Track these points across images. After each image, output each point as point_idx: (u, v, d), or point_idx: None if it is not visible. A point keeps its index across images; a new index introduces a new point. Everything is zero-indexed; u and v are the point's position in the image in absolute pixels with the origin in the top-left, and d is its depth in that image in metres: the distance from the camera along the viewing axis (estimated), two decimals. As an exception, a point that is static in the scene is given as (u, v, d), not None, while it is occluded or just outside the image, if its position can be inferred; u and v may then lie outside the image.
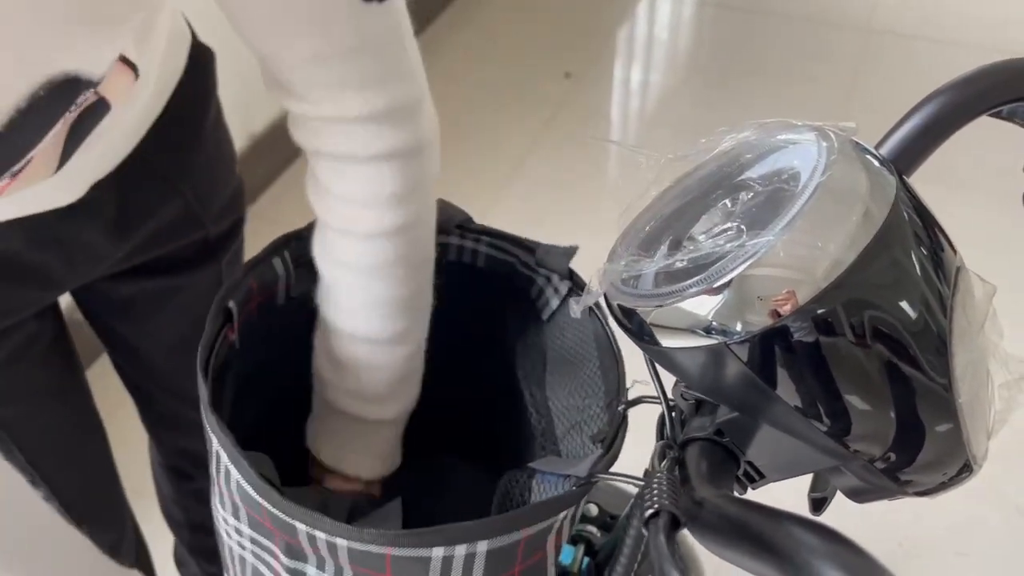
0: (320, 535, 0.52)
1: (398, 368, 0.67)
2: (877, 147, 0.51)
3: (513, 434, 0.75)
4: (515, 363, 0.75)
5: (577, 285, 0.68)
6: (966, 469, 0.44)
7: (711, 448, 0.45)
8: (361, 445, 0.70)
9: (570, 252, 0.68)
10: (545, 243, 0.71)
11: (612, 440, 0.58)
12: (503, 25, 2.79)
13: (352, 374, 0.66)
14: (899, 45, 2.65)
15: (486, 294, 0.73)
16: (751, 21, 2.91)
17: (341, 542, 0.51)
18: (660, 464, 0.43)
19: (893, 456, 0.42)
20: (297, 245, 0.68)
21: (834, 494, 0.51)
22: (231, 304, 0.63)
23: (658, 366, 0.47)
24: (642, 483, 0.44)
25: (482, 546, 0.52)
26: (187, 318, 0.85)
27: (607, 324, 0.64)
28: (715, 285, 0.39)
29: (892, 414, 0.41)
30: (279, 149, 2.15)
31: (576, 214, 1.90)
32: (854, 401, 0.40)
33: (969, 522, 1.52)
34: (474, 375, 0.79)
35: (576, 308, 0.45)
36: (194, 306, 0.87)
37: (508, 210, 2.04)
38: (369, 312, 0.64)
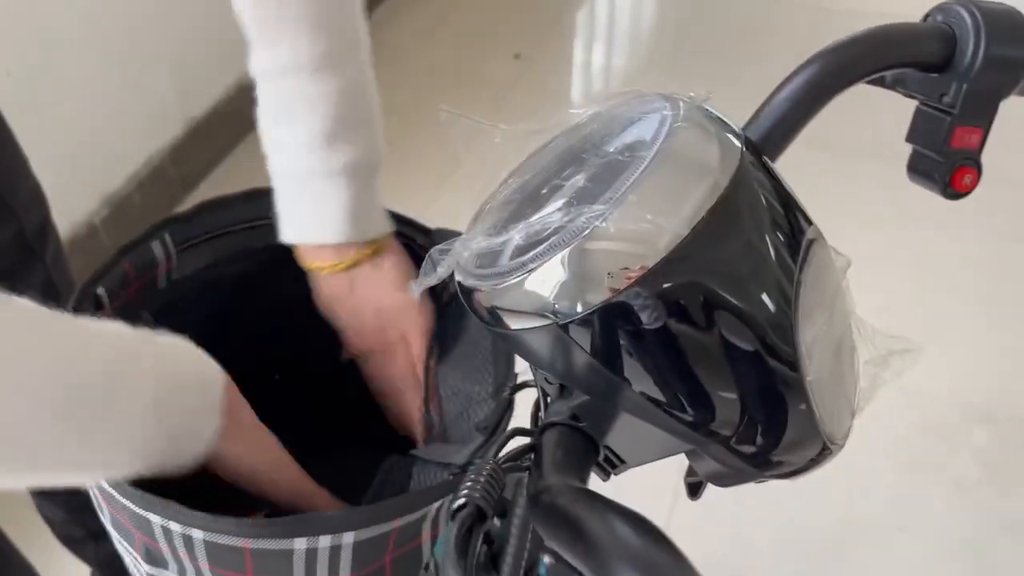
0: (174, 527, 0.49)
1: (337, 103, 0.62)
2: (751, 120, 0.49)
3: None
4: None
5: None
6: (825, 450, 0.42)
7: (568, 433, 0.43)
8: (331, 204, 0.64)
9: None
10: (441, 227, 0.68)
11: (495, 427, 0.56)
12: (452, 5, 2.76)
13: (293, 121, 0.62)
14: (852, 23, 2.64)
15: None
16: (713, 2, 2.89)
17: (197, 534, 0.49)
18: (497, 453, 0.41)
19: (749, 439, 0.40)
20: (179, 228, 0.65)
21: (706, 482, 0.49)
22: (100, 290, 0.60)
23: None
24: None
25: (348, 537, 0.50)
26: None
27: None
28: (543, 262, 0.37)
29: (739, 396, 0.39)
30: (218, 136, 2.11)
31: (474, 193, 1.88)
32: (700, 385, 0.39)
33: (910, 498, 1.53)
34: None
35: (415, 287, 0.42)
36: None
37: (453, 203, 2.01)
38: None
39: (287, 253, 0.69)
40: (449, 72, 2.46)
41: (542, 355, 0.41)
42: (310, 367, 0.75)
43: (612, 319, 0.37)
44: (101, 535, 1.07)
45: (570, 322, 0.37)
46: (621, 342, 0.38)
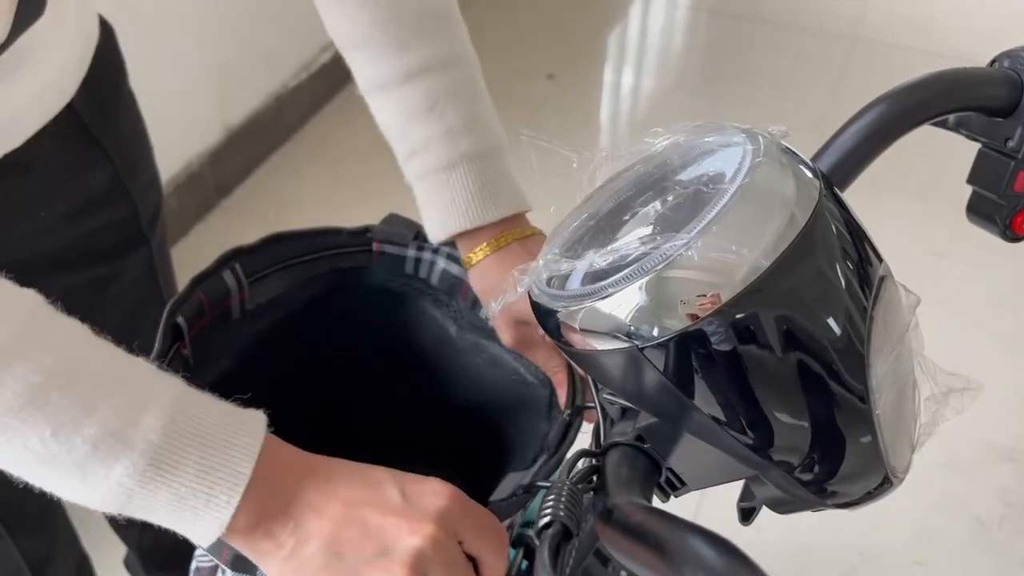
0: None
1: (472, 93, 0.66)
2: (817, 154, 0.51)
3: (496, 449, 0.73)
4: (481, 378, 0.74)
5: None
6: (886, 482, 0.43)
7: (632, 454, 0.44)
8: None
9: None
10: None
11: (556, 446, 0.57)
12: (487, 24, 2.78)
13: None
14: (886, 54, 2.66)
15: (439, 308, 0.72)
16: (742, 27, 2.91)
17: None
18: (570, 472, 0.42)
19: (813, 468, 0.41)
20: (248, 260, 0.67)
21: (761, 505, 0.50)
22: (179, 320, 0.61)
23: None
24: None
25: None
26: (123, 308, 0.85)
27: None
28: (624, 288, 0.38)
29: (809, 425, 0.40)
30: (255, 143, 2.14)
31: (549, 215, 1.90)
32: (770, 412, 0.40)
33: (930, 532, 1.52)
34: (435, 395, 0.77)
35: (495, 307, 0.44)
36: (130, 295, 0.86)
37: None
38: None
39: (350, 275, 0.70)
40: (482, 89, 2.49)
41: (615, 376, 0.42)
42: (377, 392, 0.76)
43: (688, 345, 0.38)
44: (148, 524, 1.09)
45: (647, 346, 0.39)
46: (694, 367, 0.39)
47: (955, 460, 1.62)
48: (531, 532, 0.75)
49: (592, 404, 0.53)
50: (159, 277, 0.89)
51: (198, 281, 0.62)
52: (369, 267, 0.70)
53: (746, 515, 0.51)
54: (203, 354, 0.63)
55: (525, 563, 0.71)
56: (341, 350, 0.73)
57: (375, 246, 0.69)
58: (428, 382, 0.75)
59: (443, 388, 0.75)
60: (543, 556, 0.34)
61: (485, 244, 0.65)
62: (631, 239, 0.40)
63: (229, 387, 0.67)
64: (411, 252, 0.69)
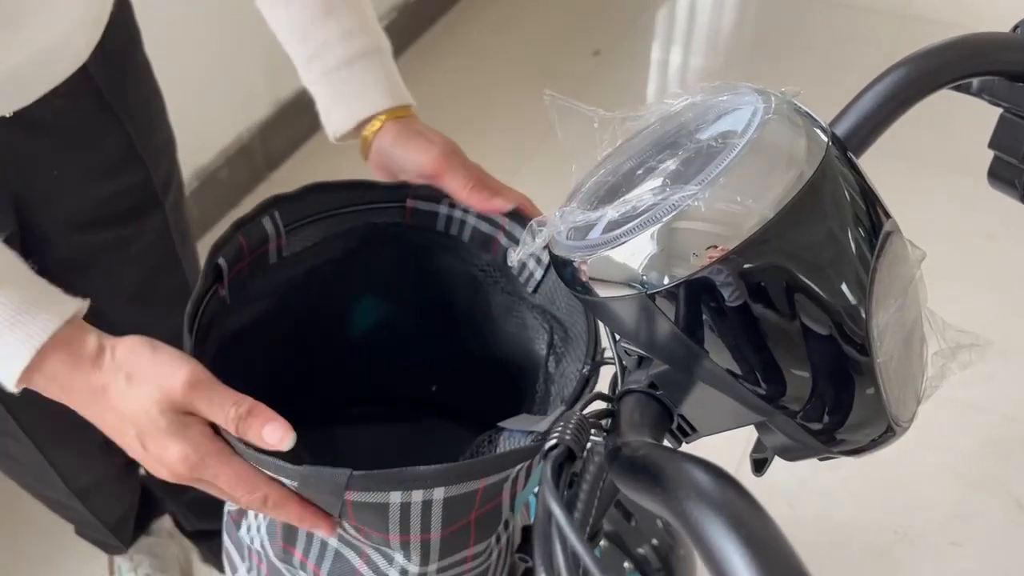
0: (287, 482, 0.54)
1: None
2: (837, 117, 0.52)
3: (512, 403, 0.76)
4: (507, 337, 0.77)
5: None
6: (889, 431, 0.44)
7: (645, 400, 0.47)
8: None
9: None
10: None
11: (575, 399, 0.59)
12: (534, 1, 2.79)
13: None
14: (935, 33, 2.60)
15: (471, 268, 0.75)
16: (792, 5, 2.87)
17: (287, 482, 0.53)
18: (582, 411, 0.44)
19: (818, 416, 0.43)
20: (286, 208, 0.70)
21: (773, 457, 0.52)
22: (221, 261, 0.65)
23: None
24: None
25: (439, 493, 0.54)
26: (140, 269, 0.89)
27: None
28: (635, 236, 0.40)
29: (812, 374, 0.42)
30: (303, 118, 2.18)
31: (569, 173, 1.91)
32: (776, 360, 0.41)
33: (967, 513, 1.51)
34: (459, 351, 0.80)
35: (513, 256, 0.46)
36: (146, 257, 0.90)
37: (528, 185, 2.05)
38: None
39: (385, 230, 0.73)
40: (528, 65, 2.49)
41: (627, 323, 0.44)
42: (406, 341, 0.79)
43: (696, 293, 0.40)
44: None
45: (656, 292, 0.41)
46: (702, 315, 0.41)
47: (994, 442, 1.60)
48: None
49: (611, 359, 0.56)
50: (175, 241, 0.92)
51: (239, 225, 0.66)
52: (402, 223, 0.72)
53: (758, 466, 0.53)
54: (239, 297, 0.66)
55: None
56: (373, 303, 0.77)
57: (409, 203, 0.71)
58: (457, 338, 0.78)
59: (472, 344, 0.77)
60: (546, 473, 0.37)
61: (387, 114, 0.73)
62: (643, 191, 0.42)
63: (262, 330, 0.71)
64: (443, 209, 0.72)
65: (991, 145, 0.55)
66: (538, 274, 0.70)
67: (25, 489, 1.09)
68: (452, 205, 0.72)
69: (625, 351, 0.50)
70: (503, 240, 0.71)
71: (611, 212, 0.42)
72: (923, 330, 0.46)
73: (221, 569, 1.38)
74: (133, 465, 1.18)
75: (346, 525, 0.59)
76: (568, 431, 0.40)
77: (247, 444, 0.54)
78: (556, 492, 0.36)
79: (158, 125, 0.89)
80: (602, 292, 0.43)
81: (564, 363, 0.69)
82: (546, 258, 0.69)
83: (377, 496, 0.54)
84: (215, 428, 0.56)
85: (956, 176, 1.96)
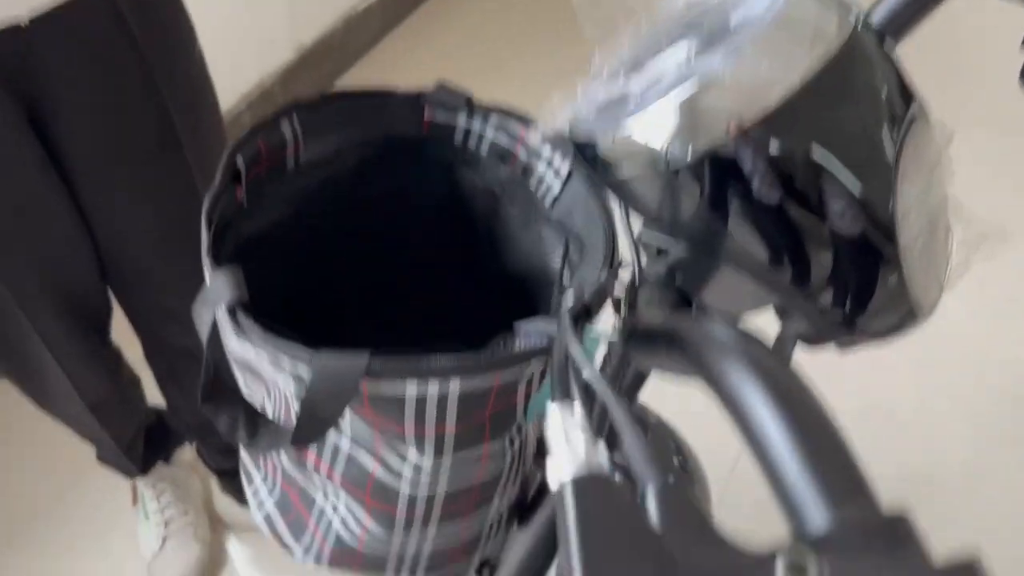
0: (285, 360, 0.54)
1: None
2: (876, 2, 0.51)
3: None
4: (523, 253, 0.76)
5: (578, 163, 0.68)
6: (910, 316, 0.44)
7: (662, 287, 0.46)
8: None
9: None
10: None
11: (591, 298, 0.59)
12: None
13: None
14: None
15: (489, 184, 0.75)
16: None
17: (303, 369, 0.54)
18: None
19: (841, 294, 0.43)
20: (306, 114, 0.69)
21: (794, 345, 0.51)
22: (239, 160, 0.65)
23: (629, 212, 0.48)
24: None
25: (455, 385, 0.54)
26: (165, 213, 0.89)
27: (606, 197, 0.64)
28: (658, 109, 0.39)
29: (833, 250, 0.42)
30: (325, 64, 2.17)
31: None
32: (796, 235, 0.41)
33: (986, 463, 1.51)
34: (474, 268, 0.80)
35: (535, 136, 0.46)
36: (171, 201, 0.90)
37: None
38: None
39: (402, 144, 0.73)
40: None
41: (650, 203, 0.44)
42: (417, 249, 0.79)
43: (719, 167, 0.40)
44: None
45: (680, 167, 0.40)
46: (726, 191, 0.41)
47: (1019, 392, 1.59)
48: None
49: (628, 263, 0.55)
50: (199, 186, 0.92)
51: (257, 129, 0.66)
52: (420, 137, 0.72)
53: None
54: (257, 202, 0.67)
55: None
56: (389, 218, 0.77)
57: (426, 114, 0.71)
58: (474, 255, 0.78)
59: (487, 261, 0.77)
60: (565, 324, 0.37)
61: None
62: (667, 65, 0.41)
63: (279, 238, 0.71)
64: (461, 122, 0.71)
65: (1024, 46, 0.54)
66: (556, 188, 0.69)
67: (47, 410, 1.11)
68: (471, 116, 0.71)
69: (644, 245, 0.50)
70: (522, 154, 0.71)
71: (634, 85, 0.42)
72: (948, 218, 0.45)
73: (240, 502, 1.40)
74: (137, 389, 1.21)
75: (358, 424, 0.59)
76: (585, 294, 0.39)
77: (263, 327, 0.55)
78: (573, 329, 0.35)
79: (181, 56, 0.88)
80: (626, 171, 0.42)
81: (579, 275, 0.69)
82: (564, 171, 0.69)
83: (394, 387, 0.54)
84: None
85: (986, 131, 1.93)
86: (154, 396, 1.31)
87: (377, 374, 0.53)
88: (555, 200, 0.70)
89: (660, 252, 0.49)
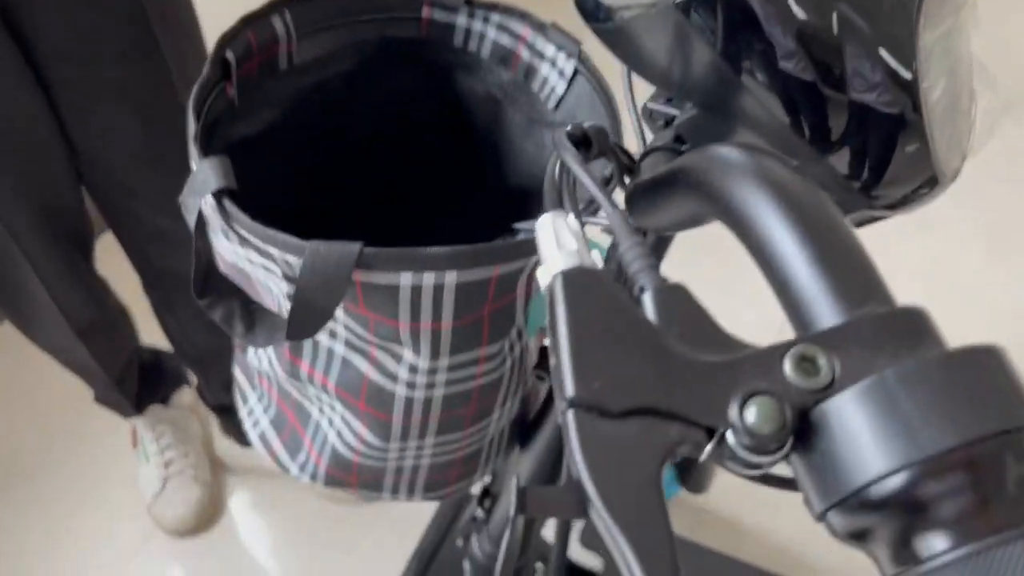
0: (274, 253, 0.52)
1: None
2: None
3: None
4: (524, 160, 0.74)
5: (584, 62, 0.65)
6: (932, 182, 0.41)
7: (668, 155, 0.44)
8: None
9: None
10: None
11: (590, 200, 0.57)
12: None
13: None
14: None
15: (490, 88, 0.72)
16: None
17: (293, 260, 0.51)
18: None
19: (859, 153, 0.40)
20: (299, 9, 0.67)
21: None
22: (228, 55, 0.62)
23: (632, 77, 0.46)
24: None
25: (451, 277, 0.52)
26: (143, 121, 0.87)
27: (613, 100, 0.62)
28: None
29: (856, 99, 0.39)
30: None
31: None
32: (814, 79, 0.38)
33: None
34: (474, 178, 0.78)
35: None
36: (148, 107, 0.88)
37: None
38: None
39: (399, 47, 0.70)
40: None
41: (657, 55, 0.41)
42: (416, 160, 0.77)
43: (732, 6, 0.37)
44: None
45: (688, 2, 0.38)
46: (738, 30, 0.38)
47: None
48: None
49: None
50: (179, 92, 0.90)
51: (248, 20, 0.63)
52: (418, 38, 0.69)
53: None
54: (248, 102, 0.64)
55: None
56: (385, 128, 0.74)
57: (425, 11, 0.68)
58: (474, 166, 0.75)
59: (489, 171, 0.75)
60: (560, 137, 0.34)
61: None
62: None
63: (269, 144, 0.69)
64: (462, 20, 0.68)
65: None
66: (560, 88, 0.67)
67: (36, 341, 1.10)
68: (471, 15, 0.69)
69: (649, 118, 0.47)
70: (524, 54, 0.68)
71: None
72: (972, 81, 0.42)
73: (241, 443, 1.39)
74: (126, 319, 1.20)
75: (352, 324, 0.57)
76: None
77: (253, 219, 0.52)
78: (568, 145, 0.33)
79: None
80: (629, 13, 0.40)
81: None
82: (569, 71, 0.66)
83: (388, 277, 0.52)
84: None
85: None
86: (150, 336, 1.30)
87: (370, 264, 0.51)
88: (559, 102, 0.67)
89: (667, 124, 0.47)
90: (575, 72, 0.65)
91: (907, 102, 0.39)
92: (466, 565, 0.98)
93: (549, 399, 0.79)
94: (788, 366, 0.22)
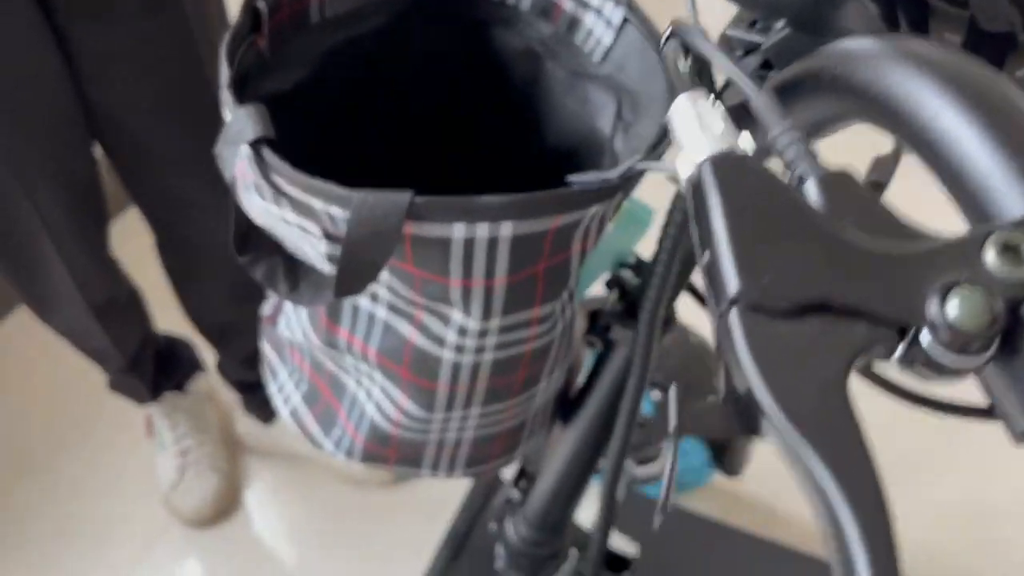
0: (317, 204, 0.49)
1: None
2: None
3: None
4: (566, 118, 0.70)
5: (633, 10, 0.62)
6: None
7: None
8: None
9: None
10: None
11: (655, 145, 0.53)
12: None
13: None
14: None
15: (529, 43, 0.69)
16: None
17: (338, 213, 0.48)
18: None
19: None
20: None
21: (889, 178, 0.46)
22: (260, 4, 0.59)
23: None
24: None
25: (507, 228, 0.49)
26: (160, 76, 0.84)
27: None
28: None
29: (965, 35, 0.36)
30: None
31: None
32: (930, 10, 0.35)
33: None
34: (513, 139, 0.74)
35: None
36: (165, 63, 0.85)
37: None
38: None
39: (436, 3, 0.67)
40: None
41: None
42: (452, 122, 0.73)
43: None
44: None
45: None
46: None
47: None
48: (628, 274, 0.72)
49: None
50: (198, 43, 0.87)
51: None
52: None
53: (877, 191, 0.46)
54: (279, 56, 0.61)
55: (622, 303, 0.69)
56: (420, 87, 0.71)
57: None
58: (514, 124, 0.72)
59: (528, 132, 0.71)
60: (692, 34, 0.30)
61: None
62: None
63: (301, 101, 0.66)
64: None
65: None
66: (607, 39, 0.63)
67: (49, 321, 1.07)
68: None
69: (728, 43, 0.44)
70: (568, 5, 0.65)
71: None
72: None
73: (265, 419, 1.36)
74: (139, 301, 1.18)
75: (397, 285, 0.54)
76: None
77: (296, 169, 0.49)
78: (694, 27, 0.29)
79: None
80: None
81: (633, 132, 0.62)
82: (617, 20, 0.63)
83: (440, 229, 0.48)
84: None
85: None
86: (163, 324, 1.27)
87: (421, 214, 0.48)
88: (606, 54, 0.63)
89: (747, 53, 0.44)
90: (624, 21, 0.62)
91: (1020, 21, 0.35)
92: (499, 549, 0.95)
93: (593, 373, 0.76)
94: (990, 255, 0.19)
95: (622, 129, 0.63)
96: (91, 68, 0.83)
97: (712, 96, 0.25)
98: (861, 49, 0.26)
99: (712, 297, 0.20)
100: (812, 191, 0.21)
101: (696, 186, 0.21)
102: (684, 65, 0.29)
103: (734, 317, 0.19)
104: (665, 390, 0.79)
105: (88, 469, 1.37)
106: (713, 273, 0.19)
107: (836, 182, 0.21)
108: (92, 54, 0.82)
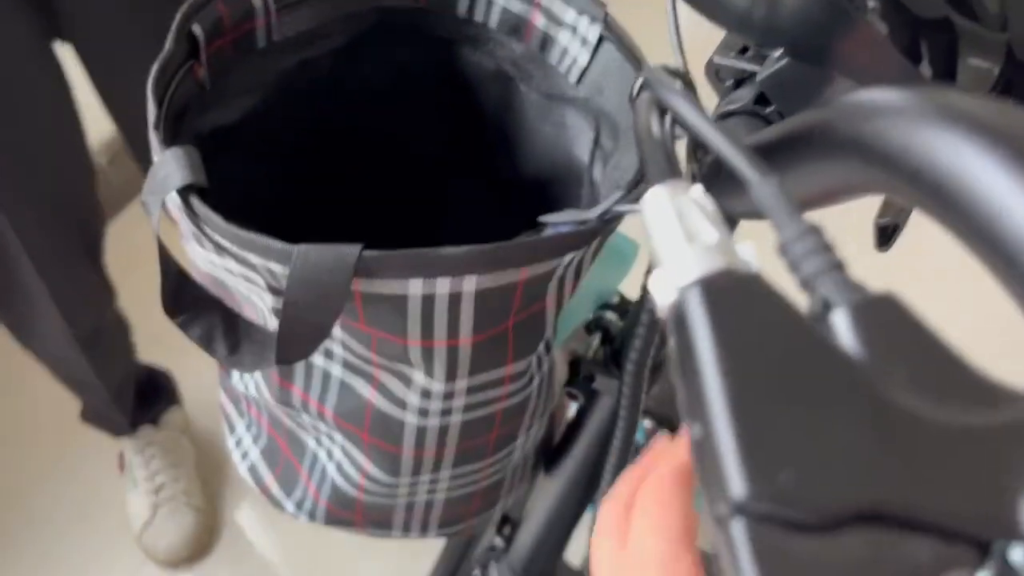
0: (254, 259, 0.42)
1: None
2: None
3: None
4: (542, 145, 0.65)
5: (610, 27, 0.56)
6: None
7: (747, 121, 0.34)
8: None
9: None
10: None
11: (636, 182, 0.47)
12: None
13: None
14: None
15: (500, 64, 0.62)
16: None
17: (278, 269, 0.42)
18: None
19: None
20: None
21: (905, 220, 0.40)
22: (196, 28, 0.53)
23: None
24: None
25: (470, 283, 0.43)
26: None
27: (645, 62, 0.53)
28: None
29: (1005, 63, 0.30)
30: None
31: None
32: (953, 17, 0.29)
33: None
34: (484, 169, 0.68)
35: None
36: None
37: None
38: None
39: (396, 18, 0.61)
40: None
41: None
42: (417, 152, 0.67)
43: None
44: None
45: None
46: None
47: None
48: (611, 316, 0.66)
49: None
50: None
51: None
52: (417, 9, 0.60)
53: (884, 235, 0.41)
54: (222, 86, 0.55)
55: (605, 348, 0.63)
56: (380, 114, 0.65)
57: None
58: (483, 156, 0.66)
59: (499, 160, 0.65)
60: (655, 73, 0.24)
61: None
62: None
63: (252, 131, 0.59)
64: None
65: None
66: (583, 59, 0.57)
67: (32, 348, 1.01)
68: None
69: (716, 72, 0.38)
70: (539, 22, 0.59)
71: None
72: None
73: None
74: (126, 333, 1.13)
75: (351, 342, 0.48)
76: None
77: (227, 221, 0.43)
78: (664, 79, 0.23)
79: None
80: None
81: (614, 162, 0.56)
82: (593, 38, 0.57)
83: (394, 285, 0.42)
84: None
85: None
86: (145, 355, 1.21)
87: (372, 270, 0.41)
88: (582, 74, 0.57)
89: (739, 84, 0.37)
90: (600, 39, 0.56)
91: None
92: (484, 596, 0.89)
93: (577, 419, 0.70)
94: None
95: (601, 158, 0.57)
96: (107, 68, 0.81)
97: (699, 184, 0.18)
98: (893, 104, 0.20)
99: (707, 489, 0.14)
100: (843, 326, 0.15)
101: (680, 320, 0.15)
102: (658, 127, 0.23)
103: (739, 530, 0.13)
104: (657, 419, 0.74)
105: (62, 503, 1.31)
106: (707, 459, 0.13)
107: (881, 314, 0.15)
108: (107, 53, 0.80)
